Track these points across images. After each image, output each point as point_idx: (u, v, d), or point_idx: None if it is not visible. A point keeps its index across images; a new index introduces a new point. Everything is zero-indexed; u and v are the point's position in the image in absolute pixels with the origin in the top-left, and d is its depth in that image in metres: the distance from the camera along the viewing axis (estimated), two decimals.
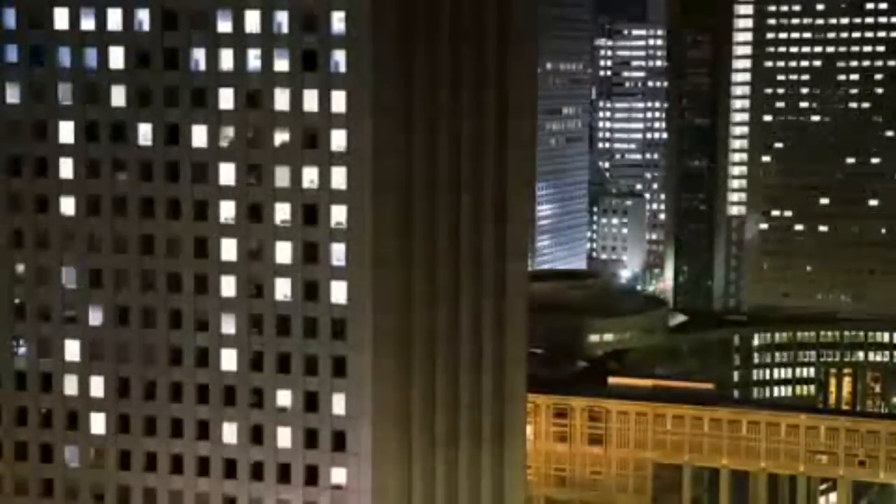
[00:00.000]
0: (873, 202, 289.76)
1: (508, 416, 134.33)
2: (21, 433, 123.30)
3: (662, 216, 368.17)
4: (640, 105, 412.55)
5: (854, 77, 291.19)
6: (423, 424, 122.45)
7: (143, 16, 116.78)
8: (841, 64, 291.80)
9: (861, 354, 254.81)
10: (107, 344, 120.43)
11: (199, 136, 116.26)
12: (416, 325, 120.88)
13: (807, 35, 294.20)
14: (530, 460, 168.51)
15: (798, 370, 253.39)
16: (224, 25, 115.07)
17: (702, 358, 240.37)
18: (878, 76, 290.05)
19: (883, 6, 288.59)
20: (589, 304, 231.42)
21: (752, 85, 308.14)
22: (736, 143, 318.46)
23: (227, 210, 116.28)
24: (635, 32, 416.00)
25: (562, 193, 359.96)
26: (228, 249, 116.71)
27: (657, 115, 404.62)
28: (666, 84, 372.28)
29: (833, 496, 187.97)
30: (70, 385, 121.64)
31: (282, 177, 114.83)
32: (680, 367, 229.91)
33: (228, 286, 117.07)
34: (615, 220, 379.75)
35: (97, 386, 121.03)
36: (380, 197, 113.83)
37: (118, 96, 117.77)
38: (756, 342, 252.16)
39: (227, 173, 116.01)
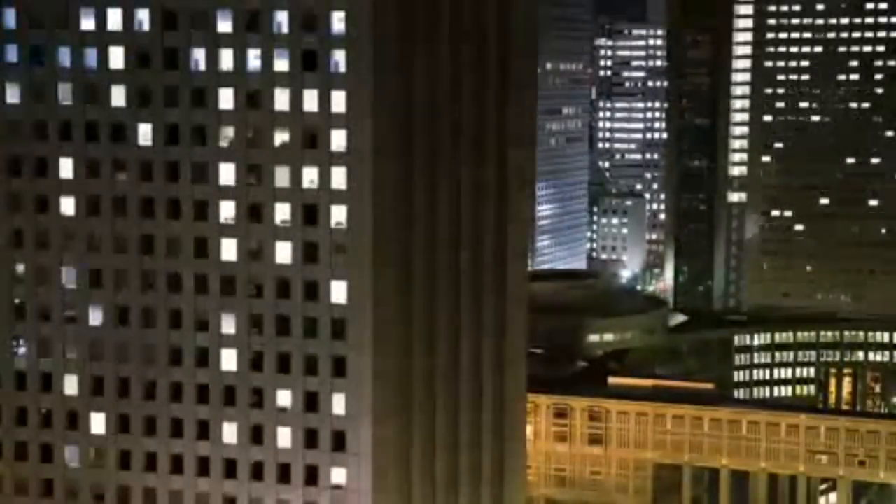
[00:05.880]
0: (873, 202, 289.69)
1: (508, 416, 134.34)
2: (21, 433, 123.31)
3: (662, 216, 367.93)
4: (640, 105, 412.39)
5: (854, 77, 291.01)
6: (423, 424, 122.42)
7: (144, 16, 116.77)
8: (841, 64, 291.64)
9: (861, 354, 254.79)
10: (107, 344, 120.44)
11: (198, 136, 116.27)
12: (416, 326, 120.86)
13: (807, 35, 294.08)
14: (530, 460, 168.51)
15: (798, 370, 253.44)
16: (224, 25, 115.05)
17: (702, 358, 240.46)
18: (878, 76, 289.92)
19: (883, 6, 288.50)
20: (589, 304, 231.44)
21: (752, 85, 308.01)
22: (736, 143, 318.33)
23: (227, 210, 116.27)
24: (635, 32, 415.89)
25: (562, 193, 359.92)
26: (228, 249, 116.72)
27: (657, 115, 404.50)
28: (666, 84, 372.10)
29: (833, 496, 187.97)
30: (70, 385, 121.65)
31: (282, 177, 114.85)
32: (680, 367, 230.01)
33: (228, 286, 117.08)
34: (615, 220, 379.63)
35: (97, 386, 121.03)
36: (380, 197, 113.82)
37: (118, 96, 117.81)
38: (756, 342, 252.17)
39: (227, 173, 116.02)
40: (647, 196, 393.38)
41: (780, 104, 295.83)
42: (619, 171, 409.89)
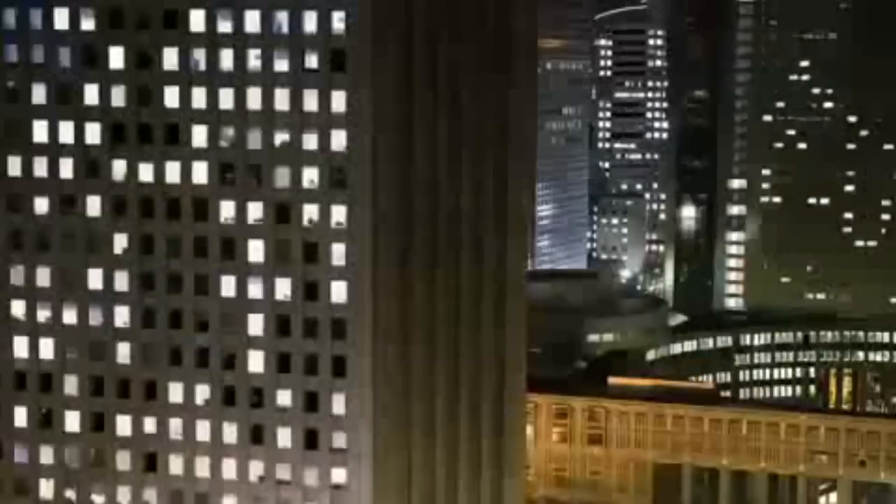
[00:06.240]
0: (873, 202, 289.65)
1: (508, 416, 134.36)
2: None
3: (662, 216, 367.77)
4: (641, 105, 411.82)
5: (855, 77, 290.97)
6: (423, 424, 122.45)
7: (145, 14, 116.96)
8: (842, 63, 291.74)
9: (861, 354, 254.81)
10: (107, 344, 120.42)
11: (199, 136, 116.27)
12: (416, 326, 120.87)
13: (807, 35, 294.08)
14: (530, 460, 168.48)
15: (798, 370, 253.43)
16: (224, 25, 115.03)
17: (702, 358, 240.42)
18: (879, 76, 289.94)
19: (882, 6, 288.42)
20: (589, 304, 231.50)
21: (752, 85, 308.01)
22: (736, 143, 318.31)
23: (227, 210, 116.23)
24: (635, 32, 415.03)
25: (562, 193, 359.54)
26: (227, 250, 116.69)
27: (657, 115, 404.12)
28: (666, 84, 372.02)
29: (833, 496, 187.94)
30: (70, 385, 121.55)
31: (282, 177, 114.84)
32: (680, 367, 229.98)
33: (229, 286, 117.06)
34: (615, 220, 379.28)
35: (98, 386, 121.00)
36: (380, 197, 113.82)
37: (118, 96, 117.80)
38: (756, 342, 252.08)
39: (226, 174, 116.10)
40: (647, 196, 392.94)
41: (780, 104, 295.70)
42: (619, 172, 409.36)
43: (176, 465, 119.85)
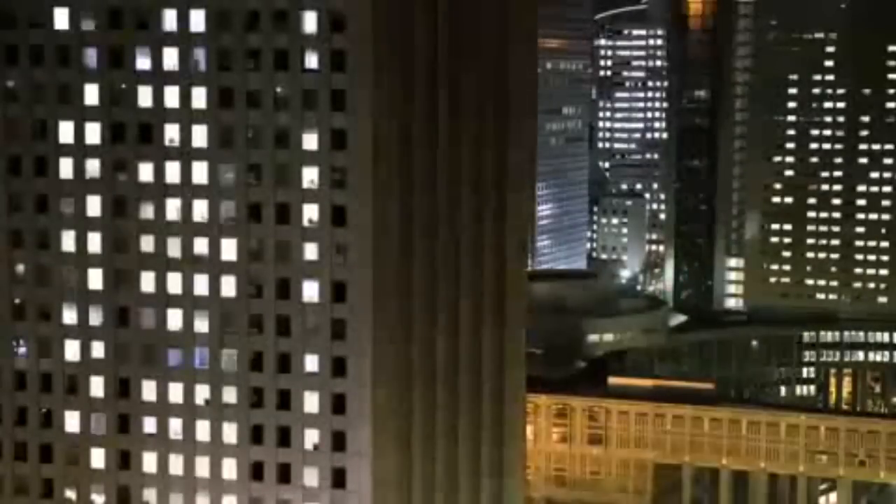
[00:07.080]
0: (874, 202, 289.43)
1: (508, 416, 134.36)
2: (21, 433, 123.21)
3: (662, 216, 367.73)
4: (641, 105, 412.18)
5: (855, 77, 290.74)
6: (423, 424, 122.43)
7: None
8: (842, 63, 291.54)
9: (861, 354, 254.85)
10: (107, 344, 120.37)
11: (199, 135, 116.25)
12: (416, 326, 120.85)
13: (807, 35, 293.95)
14: (530, 460, 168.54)
15: (798, 370, 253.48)
16: (224, 25, 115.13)
17: (702, 358, 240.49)
18: (879, 76, 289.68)
19: (882, 6, 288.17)
20: (589, 304, 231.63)
21: (752, 85, 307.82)
22: (736, 143, 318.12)
23: (228, 210, 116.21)
24: (635, 32, 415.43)
25: (562, 193, 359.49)
26: (228, 249, 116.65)
27: (657, 115, 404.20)
28: (666, 84, 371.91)
29: (833, 496, 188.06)
30: (70, 385, 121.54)
31: (282, 177, 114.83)
32: (680, 367, 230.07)
33: (229, 286, 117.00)
34: (615, 220, 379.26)
35: (97, 385, 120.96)
36: (380, 197, 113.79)
37: (119, 96, 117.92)
38: (756, 342, 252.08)
39: (227, 174, 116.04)
40: (647, 196, 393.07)
41: (780, 104, 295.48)
42: (619, 171, 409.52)
43: (176, 464, 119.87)
